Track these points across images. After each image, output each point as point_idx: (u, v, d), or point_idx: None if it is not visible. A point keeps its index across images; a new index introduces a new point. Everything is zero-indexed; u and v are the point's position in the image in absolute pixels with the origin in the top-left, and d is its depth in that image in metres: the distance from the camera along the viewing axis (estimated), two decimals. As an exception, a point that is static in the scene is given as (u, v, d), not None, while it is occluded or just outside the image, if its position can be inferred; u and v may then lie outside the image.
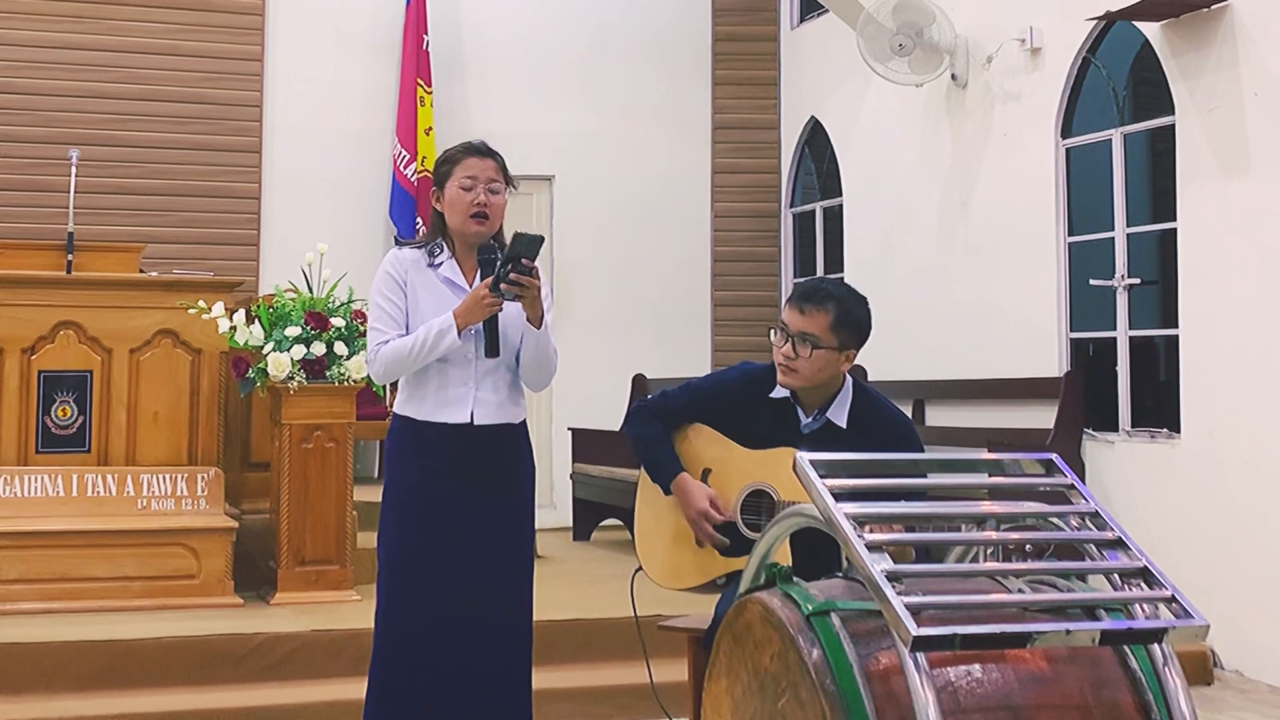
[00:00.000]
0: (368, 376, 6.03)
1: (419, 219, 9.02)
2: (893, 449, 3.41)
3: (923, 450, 3.67)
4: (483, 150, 3.87)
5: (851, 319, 3.49)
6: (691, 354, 9.78)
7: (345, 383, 6.10)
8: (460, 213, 3.80)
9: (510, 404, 3.86)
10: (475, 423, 3.78)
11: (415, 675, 3.75)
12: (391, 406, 3.95)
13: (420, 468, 3.80)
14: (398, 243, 3.98)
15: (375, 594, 3.87)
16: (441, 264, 3.84)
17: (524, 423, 3.93)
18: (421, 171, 9.13)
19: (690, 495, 3.60)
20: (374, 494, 4.59)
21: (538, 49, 9.81)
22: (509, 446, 3.86)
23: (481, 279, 3.71)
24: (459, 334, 3.69)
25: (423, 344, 3.71)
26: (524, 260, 3.60)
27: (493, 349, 3.73)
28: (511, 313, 3.74)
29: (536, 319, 3.74)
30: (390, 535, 3.84)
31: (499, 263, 3.63)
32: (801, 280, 3.62)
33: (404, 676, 3.76)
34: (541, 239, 3.66)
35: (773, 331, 3.54)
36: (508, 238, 3.77)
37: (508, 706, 3.81)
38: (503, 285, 3.61)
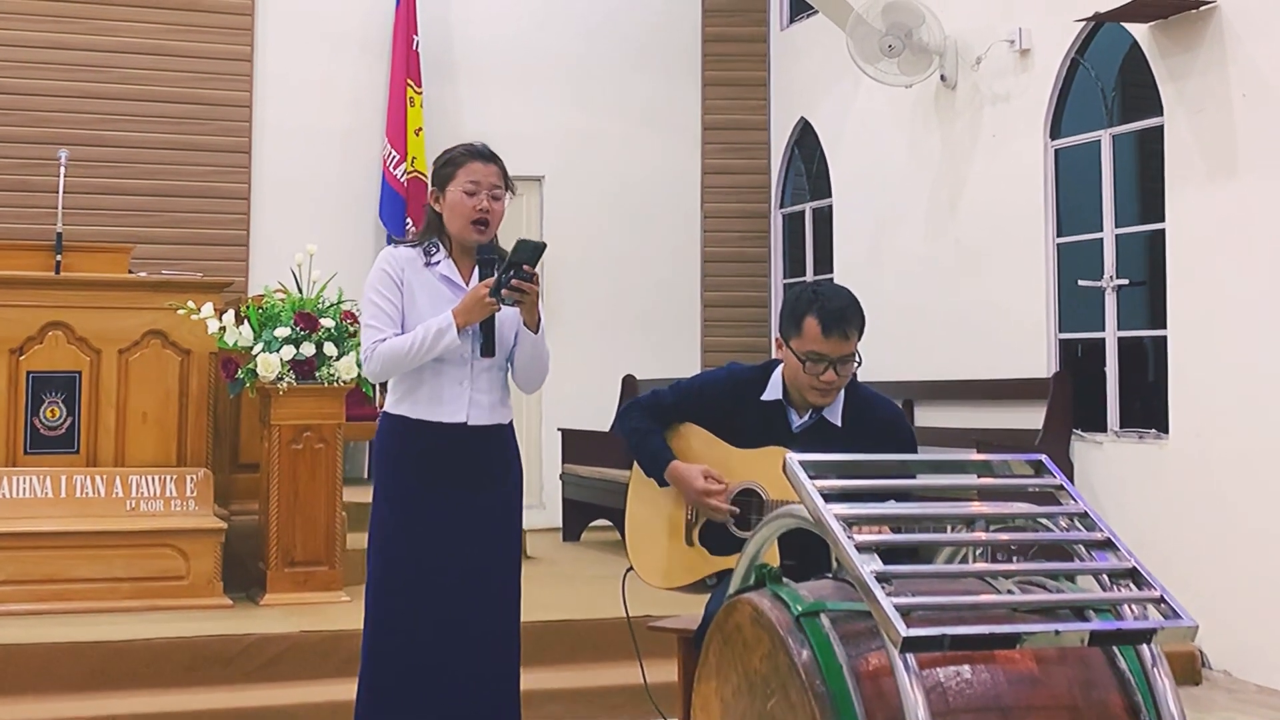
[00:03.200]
0: (358, 377, 6.02)
1: (409, 219, 8.99)
2: (890, 443, 3.45)
3: (916, 442, 3.69)
4: (486, 155, 3.85)
5: (863, 320, 3.54)
6: (681, 354, 9.77)
7: (335, 384, 6.09)
8: (462, 218, 3.78)
9: (501, 405, 3.87)
10: (470, 423, 3.78)
11: (406, 678, 3.74)
12: (381, 407, 3.95)
13: (412, 467, 3.79)
14: (391, 241, 3.96)
15: (365, 595, 3.86)
16: (439, 262, 3.82)
17: (511, 423, 3.93)
18: (411, 172, 9.13)
19: (686, 479, 3.61)
20: (364, 495, 4.57)
21: (528, 49, 9.80)
22: (500, 447, 3.86)
23: (480, 278, 3.71)
24: (458, 334, 3.69)
25: (421, 342, 3.70)
26: (525, 267, 3.61)
27: (489, 348, 3.74)
28: (506, 313, 3.75)
29: (534, 324, 3.75)
30: (382, 536, 3.82)
31: (502, 269, 3.62)
32: (818, 302, 3.55)
33: (394, 679, 3.75)
34: (544, 246, 3.67)
35: (801, 359, 3.50)
36: (501, 241, 3.79)
37: (497, 708, 3.80)
38: (504, 291, 3.62)
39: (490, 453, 3.83)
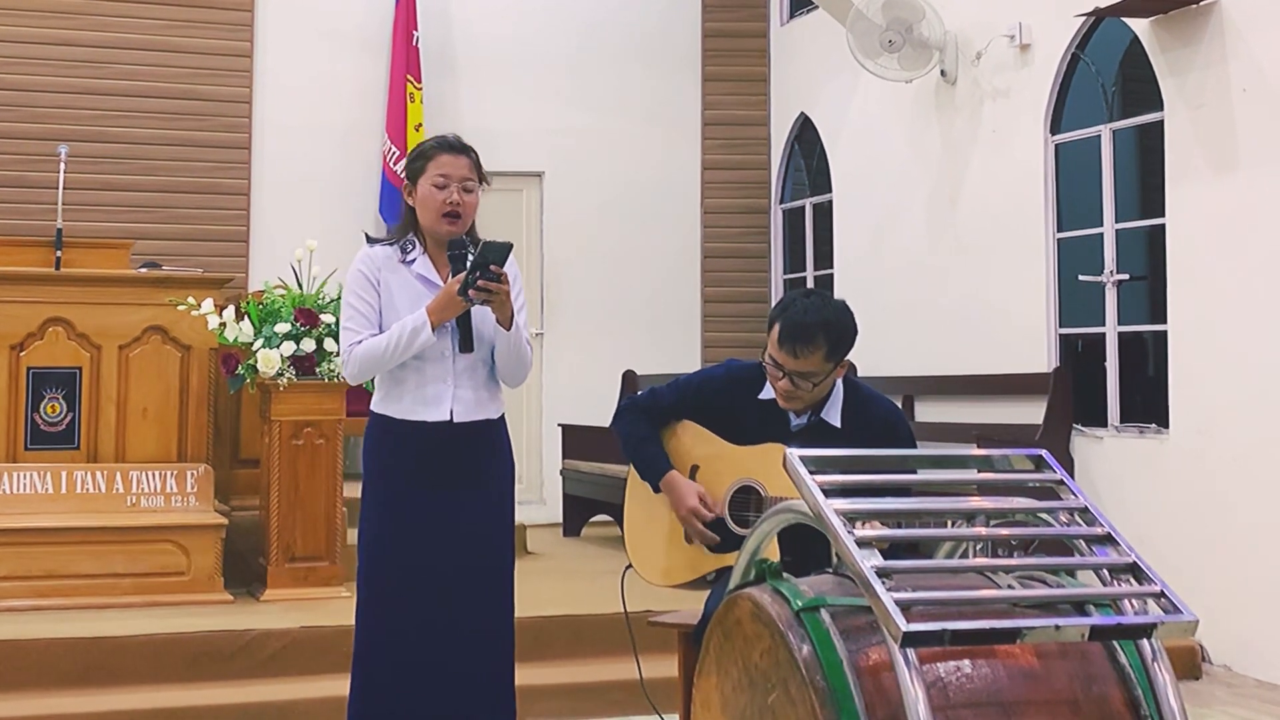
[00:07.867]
0: None
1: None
2: (889, 444, 3.42)
3: (915, 443, 3.67)
4: (457, 147, 3.81)
5: (842, 342, 3.45)
6: (681, 350, 9.77)
7: (335, 379, 6.09)
8: (433, 211, 3.75)
9: (488, 400, 3.82)
10: (454, 420, 3.75)
11: (397, 675, 3.73)
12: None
13: (399, 466, 3.76)
14: (369, 240, 3.92)
15: (355, 593, 3.85)
16: (415, 260, 3.79)
17: (502, 418, 3.89)
18: (411, 168, 9.13)
19: (680, 493, 3.60)
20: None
21: (528, 45, 9.80)
22: (488, 443, 3.82)
23: (454, 274, 3.66)
24: (433, 330, 3.66)
25: (397, 342, 3.67)
26: (492, 267, 3.57)
27: (467, 344, 3.70)
28: (486, 308, 3.71)
29: (506, 321, 3.69)
30: (369, 534, 3.81)
31: (467, 270, 3.59)
32: (787, 312, 3.50)
33: (386, 676, 3.74)
34: (510, 246, 3.63)
35: (765, 362, 3.49)
36: (480, 233, 3.76)
37: (492, 705, 3.79)
38: (470, 292, 3.58)
39: (479, 448, 3.80)
